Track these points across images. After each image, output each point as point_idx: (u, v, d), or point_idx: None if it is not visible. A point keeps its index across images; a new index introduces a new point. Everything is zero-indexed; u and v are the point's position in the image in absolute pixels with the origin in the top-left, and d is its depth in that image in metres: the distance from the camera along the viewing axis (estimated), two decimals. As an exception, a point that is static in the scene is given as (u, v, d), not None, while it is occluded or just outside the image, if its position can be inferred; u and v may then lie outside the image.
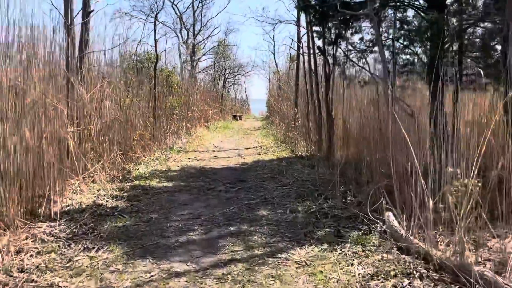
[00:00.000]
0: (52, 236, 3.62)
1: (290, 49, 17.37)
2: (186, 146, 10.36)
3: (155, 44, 9.82)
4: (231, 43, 23.82)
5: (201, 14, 20.60)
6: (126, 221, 4.19)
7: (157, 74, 11.49)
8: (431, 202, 3.18)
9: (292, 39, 10.75)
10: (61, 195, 4.55)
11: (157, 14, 10.13)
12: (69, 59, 5.52)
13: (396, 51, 8.11)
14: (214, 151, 10.00)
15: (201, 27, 20.47)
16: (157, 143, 9.19)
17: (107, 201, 4.91)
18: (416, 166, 3.48)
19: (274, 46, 19.50)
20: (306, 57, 9.96)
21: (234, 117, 23.60)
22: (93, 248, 3.42)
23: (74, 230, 3.83)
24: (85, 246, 3.45)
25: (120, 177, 6.09)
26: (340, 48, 8.08)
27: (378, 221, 3.93)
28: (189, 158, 8.62)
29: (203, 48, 22.64)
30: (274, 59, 19.49)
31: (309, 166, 7.42)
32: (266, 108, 29.45)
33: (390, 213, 3.84)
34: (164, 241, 3.69)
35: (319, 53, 7.86)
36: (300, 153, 8.97)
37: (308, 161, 7.91)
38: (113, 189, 5.44)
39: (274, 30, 21.27)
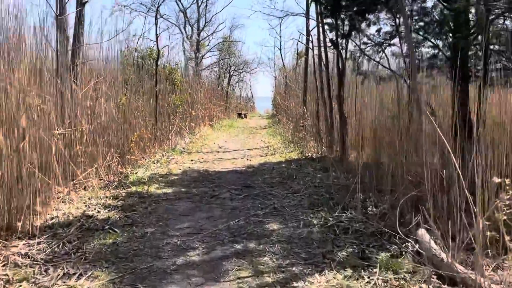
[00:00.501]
0: (29, 258, 3.10)
1: (297, 43, 16.83)
2: (189, 146, 9.83)
3: (157, 39, 9.31)
4: (236, 39, 23.26)
5: (206, 9, 20.08)
6: (117, 237, 3.66)
7: (158, 70, 10.99)
8: (481, 220, 2.62)
9: (301, 33, 10.14)
10: (46, 205, 4.03)
11: (158, 7, 9.57)
12: (59, 53, 5.00)
13: (414, 44, 7.52)
14: (218, 152, 9.47)
15: (205, 22, 19.94)
16: (159, 144, 8.67)
17: (98, 211, 4.39)
18: (456, 174, 2.93)
19: (280, 42, 18.92)
20: (316, 51, 9.40)
21: (239, 115, 23.06)
22: (74, 274, 2.89)
23: (56, 249, 3.31)
24: (65, 271, 2.92)
25: (116, 183, 5.58)
26: (353, 41, 7.50)
27: (409, 239, 3.37)
28: (192, 160, 8.09)
29: (207, 45, 22.12)
30: (281, 55, 18.98)
31: (321, 169, 6.86)
32: (271, 106, 28.93)
33: (424, 230, 3.28)
34: (159, 263, 3.15)
35: (332, 47, 7.29)
36: (310, 154, 8.40)
37: (320, 163, 7.35)
38: (106, 197, 4.92)
39: (281, 25, 20.70)
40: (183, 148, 9.41)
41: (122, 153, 6.42)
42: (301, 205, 4.78)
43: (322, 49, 8.61)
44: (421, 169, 4.04)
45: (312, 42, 9.86)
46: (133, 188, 5.45)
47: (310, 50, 10.62)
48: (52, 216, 4.05)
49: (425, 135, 3.82)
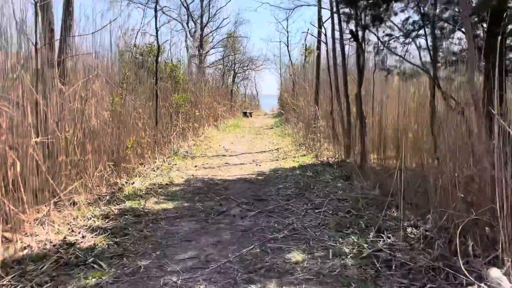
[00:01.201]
0: (-19, 312, 2.37)
1: (306, 38, 16.01)
2: (193, 150, 9.08)
3: (156, 33, 8.55)
4: (241, 35, 22.48)
5: (209, 4, 19.30)
6: (103, 275, 2.91)
7: (159, 68, 10.26)
8: None
9: (312, 24, 9.34)
10: (16, 232, 3.30)
11: (158, -2, 8.78)
12: (38, 47, 4.25)
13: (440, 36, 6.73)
14: (224, 156, 8.71)
15: (209, 18, 19.18)
16: (159, 148, 7.93)
17: (83, 236, 3.65)
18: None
19: (287, 37, 18.01)
20: (330, 46, 8.61)
21: (245, 114, 22.31)
22: None
23: (21, 296, 2.58)
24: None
25: (108, 197, 4.84)
26: (373, 33, 6.72)
27: (474, 280, 2.60)
28: (196, 166, 7.34)
29: (211, 41, 21.36)
30: (288, 51, 18.08)
31: (341, 177, 6.10)
32: (278, 104, 28.14)
33: (498, 272, 2.51)
34: (152, 317, 2.41)
35: (351, 39, 6.49)
36: (325, 158, 7.63)
37: (338, 170, 6.58)
38: (94, 216, 4.18)
39: (288, 19, 19.82)
40: (186, 152, 8.67)
41: (117, 160, 5.68)
42: (325, 225, 4.01)
43: (338, 42, 7.83)
44: (480, 184, 3.28)
45: (325, 35, 9.08)
46: (128, 204, 4.70)
47: (323, 44, 9.83)
48: (25, 245, 3.31)
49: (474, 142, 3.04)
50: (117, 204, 4.68)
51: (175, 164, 7.35)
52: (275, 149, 9.52)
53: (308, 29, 17.56)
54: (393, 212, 4.20)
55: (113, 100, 5.60)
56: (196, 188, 5.64)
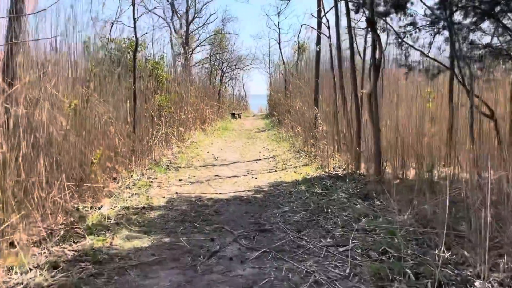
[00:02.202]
0: None
1: (299, 35, 14.93)
2: (177, 158, 7.92)
3: (134, 25, 7.35)
4: (229, 32, 21.30)
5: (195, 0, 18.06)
6: None
7: (139, 65, 9.09)
8: None
9: (313, 15, 8.29)
10: None
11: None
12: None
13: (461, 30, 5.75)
14: (214, 165, 7.57)
15: (195, 14, 17.94)
16: (138, 158, 6.75)
17: (12, 305, 2.48)
18: None
19: (279, 34, 16.81)
20: (333, 39, 7.55)
21: (233, 115, 21.17)
22: None
23: None
24: None
25: (64, 231, 3.67)
26: (388, 23, 5.71)
27: None
28: (180, 180, 6.18)
29: (197, 39, 20.13)
30: (279, 48, 16.94)
31: (357, 195, 5.03)
32: (267, 105, 27.06)
33: None
34: None
35: (369, 29, 5.43)
36: (332, 169, 6.56)
37: (351, 184, 5.51)
38: (38, 266, 3.00)
39: (279, 15, 18.61)
40: (170, 162, 7.50)
41: (80, 179, 4.50)
42: (358, 275, 2.92)
43: (343, 33, 6.78)
44: None
45: (328, 27, 8.01)
46: (89, 241, 3.54)
47: (323, 38, 8.76)
48: None
49: None
50: (75, 241, 3.51)
51: (156, 178, 6.19)
52: (271, 157, 8.42)
53: (302, 25, 16.55)
54: (444, 251, 3.14)
55: (70, 104, 4.40)
56: (181, 213, 4.49)
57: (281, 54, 17.10)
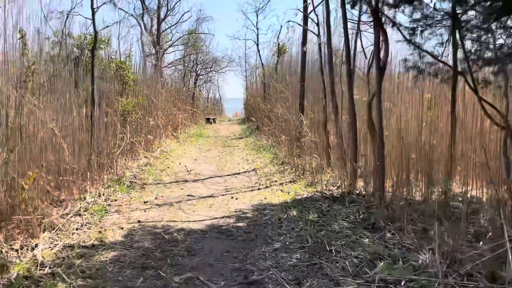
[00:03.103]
0: None
1: (278, 36, 14.03)
2: (144, 172, 6.83)
3: (93, 15, 6.23)
4: (204, 32, 20.22)
5: (168, -4, 16.90)
6: None
7: (99, 64, 8.00)
8: None
9: (299, 10, 7.41)
10: None
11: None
12: None
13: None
14: (187, 181, 6.53)
15: (167, 11, 16.78)
16: (95, 173, 5.64)
17: None
18: None
19: (257, 35, 15.85)
20: (324, 37, 6.68)
21: (208, 120, 20.08)
22: None
23: None
24: None
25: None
26: (390, 19, 4.90)
27: None
28: (145, 203, 5.13)
29: (170, 39, 18.94)
30: (258, 50, 16.00)
31: (362, 224, 4.15)
32: (243, 110, 26.10)
33: None
34: None
35: (375, 21, 4.55)
36: (324, 186, 5.67)
37: (352, 209, 4.63)
38: None
39: (257, 14, 17.62)
40: (135, 177, 6.41)
41: (6, 211, 3.40)
42: None
43: (335, 31, 5.94)
44: None
45: (317, 24, 7.12)
46: (4, 309, 2.47)
47: (312, 37, 7.91)
48: None
49: None
50: (-19, 311, 2.43)
51: (115, 200, 5.11)
52: (252, 170, 7.45)
53: (287, 22, 15.79)
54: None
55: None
56: (142, 254, 3.45)
57: (260, 56, 16.17)
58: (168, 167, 7.57)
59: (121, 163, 6.84)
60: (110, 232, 3.94)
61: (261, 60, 15.54)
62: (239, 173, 7.23)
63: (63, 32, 7.27)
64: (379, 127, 4.77)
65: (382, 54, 4.63)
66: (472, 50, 5.03)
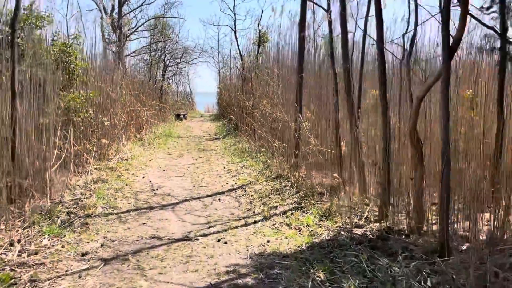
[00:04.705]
0: None
1: (259, 21, 12.24)
2: (91, 195, 4.94)
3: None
4: (172, 20, 18.12)
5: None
6: None
7: (39, 47, 6.02)
8: None
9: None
10: None
11: None
12: None
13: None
14: (151, 208, 4.69)
15: (130, -8, 14.63)
16: (10, 205, 3.72)
17: None
18: None
19: (235, 21, 13.82)
20: (336, 8, 4.98)
21: (178, 116, 18.10)
22: None
23: None
24: None
25: None
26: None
27: None
28: (84, 256, 3.28)
29: (135, 27, 16.73)
30: (236, 38, 14.12)
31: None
32: (215, 104, 24.16)
33: None
34: None
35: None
36: (347, 219, 4.01)
37: (408, 264, 2.98)
38: None
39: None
40: (76, 204, 4.52)
41: None
42: None
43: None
44: None
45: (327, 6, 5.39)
46: None
47: (309, 15, 6.20)
48: None
49: None
50: None
51: (35, 254, 3.23)
52: (240, 187, 5.71)
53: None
54: None
55: None
56: None
57: (238, 45, 14.31)
58: (126, 184, 5.69)
59: (59, 182, 4.92)
60: None
61: (239, 49, 13.70)
62: (222, 193, 5.46)
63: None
64: (444, 135, 3.14)
65: (456, 29, 3.00)
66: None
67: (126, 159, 7.35)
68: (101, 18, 15.18)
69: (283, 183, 5.61)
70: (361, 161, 4.69)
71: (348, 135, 5.16)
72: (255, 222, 4.19)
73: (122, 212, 4.47)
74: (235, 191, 5.52)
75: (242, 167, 7.03)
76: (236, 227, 4.04)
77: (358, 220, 4.04)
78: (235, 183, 5.94)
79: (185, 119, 18.87)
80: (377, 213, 4.12)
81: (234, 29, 13.70)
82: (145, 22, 15.03)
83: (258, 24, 12.83)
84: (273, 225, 4.07)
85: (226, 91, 18.10)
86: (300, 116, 6.28)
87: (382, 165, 4.06)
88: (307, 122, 6.22)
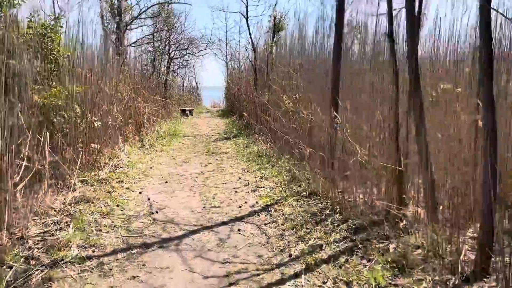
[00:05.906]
0: None
1: (275, 4, 10.87)
2: (67, 226, 3.67)
3: None
4: (177, 8, 16.77)
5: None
6: None
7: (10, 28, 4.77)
8: None
9: None
10: None
11: None
12: None
13: None
14: (146, 246, 3.41)
15: (131, -25, 13.30)
16: None
17: None
18: None
19: (247, 6, 12.34)
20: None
21: (183, 112, 16.83)
22: None
23: None
24: None
25: None
26: None
27: None
28: None
29: (138, 14, 15.40)
30: (247, 26, 12.69)
31: None
32: (222, 99, 22.89)
33: None
34: None
35: None
36: (442, 280, 2.69)
37: None
38: None
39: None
40: (44, 241, 3.25)
41: None
42: None
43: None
44: None
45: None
46: None
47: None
48: None
49: None
50: None
51: None
52: (264, 209, 4.41)
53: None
54: None
55: None
56: None
57: (249, 33, 12.94)
58: (117, 205, 4.41)
59: (25, 205, 3.66)
60: None
61: (251, 38, 12.31)
62: (241, 218, 4.16)
63: None
64: None
65: None
66: None
67: (121, 167, 6.08)
68: (101, 6, 13.89)
69: (319, 205, 4.30)
70: (432, 178, 3.40)
71: (410, 142, 3.85)
72: (296, 275, 2.88)
73: (106, 255, 3.19)
74: (258, 215, 4.22)
75: (261, 178, 5.73)
76: (269, 286, 2.74)
77: (450, 275, 2.73)
78: (256, 202, 4.64)
79: (191, 115, 17.61)
80: (467, 259, 2.81)
81: (246, 16, 12.30)
82: (148, 8, 13.68)
83: (274, 9, 11.42)
84: (323, 283, 2.77)
85: (235, 85, 16.80)
86: (337, 116, 4.96)
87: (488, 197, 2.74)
88: (347, 123, 4.89)
